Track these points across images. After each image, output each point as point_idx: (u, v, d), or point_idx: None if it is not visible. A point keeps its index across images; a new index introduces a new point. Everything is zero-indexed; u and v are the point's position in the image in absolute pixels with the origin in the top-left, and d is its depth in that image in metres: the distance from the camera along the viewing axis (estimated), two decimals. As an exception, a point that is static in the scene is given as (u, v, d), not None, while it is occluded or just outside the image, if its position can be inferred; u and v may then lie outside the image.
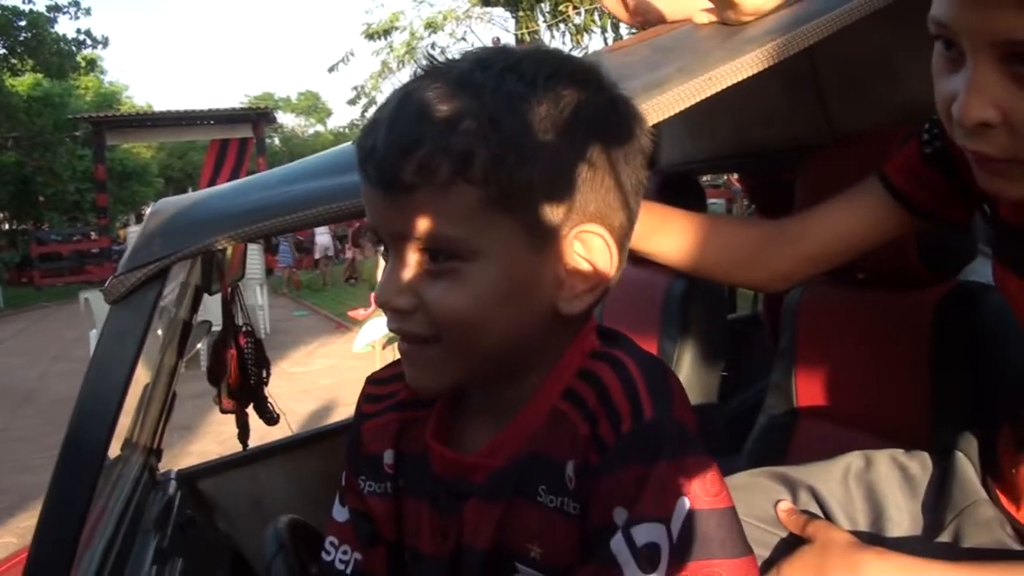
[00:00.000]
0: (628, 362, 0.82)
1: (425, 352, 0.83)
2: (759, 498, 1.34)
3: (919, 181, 1.27)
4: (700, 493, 0.74)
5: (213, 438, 6.85)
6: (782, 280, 1.44)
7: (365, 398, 1.03)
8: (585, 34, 10.73)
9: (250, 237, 1.16)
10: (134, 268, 1.16)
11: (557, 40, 11.47)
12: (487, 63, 0.78)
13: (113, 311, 1.21)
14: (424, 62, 0.82)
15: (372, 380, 1.05)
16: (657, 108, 1.10)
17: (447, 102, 0.75)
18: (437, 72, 0.79)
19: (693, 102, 1.13)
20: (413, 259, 0.80)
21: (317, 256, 20.81)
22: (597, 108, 0.80)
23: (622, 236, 0.84)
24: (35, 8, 25.36)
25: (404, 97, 0.78)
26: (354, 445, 1.02)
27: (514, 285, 0.79)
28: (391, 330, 0.85)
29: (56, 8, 25.52)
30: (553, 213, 0.78)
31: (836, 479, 1.36)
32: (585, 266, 0.82)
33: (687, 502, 0.73)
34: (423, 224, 0.76)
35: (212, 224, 1.19)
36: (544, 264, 0.80)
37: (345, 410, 7.64)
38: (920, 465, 1.36)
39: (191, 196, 1.40)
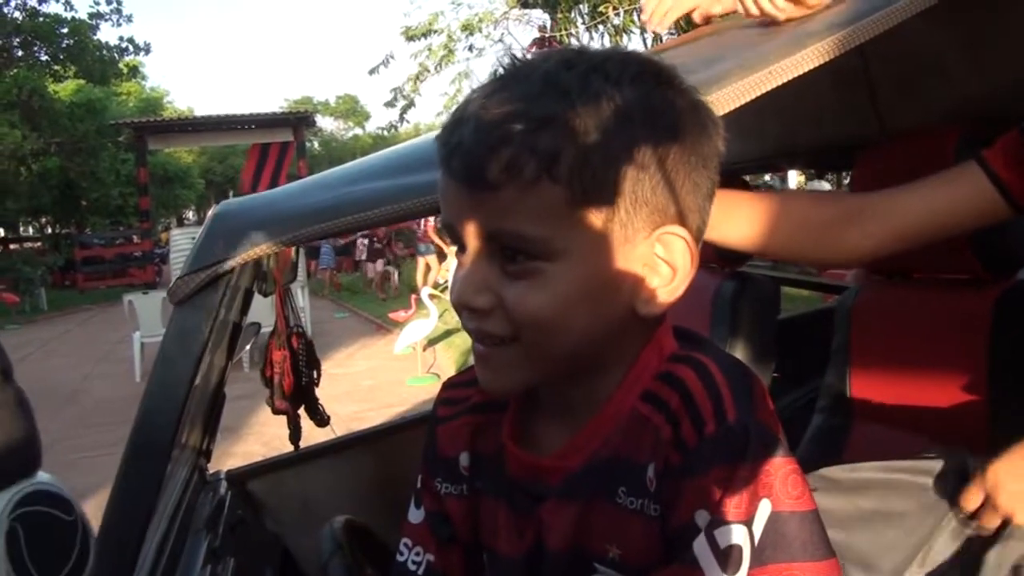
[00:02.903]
0: (711, 365, 0.81)
1: (502, 353, 0.82)
2: None
3: (1022, 170, 1.26)
4: (782, 495, 0.73)
5: (256, 439, 6.90)
6: (865, 257, 1.42)
7: (441, 402, 1.03)
8: (624, 35, 10.70)
9: (314, 238, 1.16)
10: (198, 269, 1.17)
11: (596, 41, 11.44)
12: (572, 63, 0.78)
13: (177, 312, 1.22)
14: (507, 61, 0.81)
15: (448, 384, 1.05)
16: (717, 103, 1.09)
17: (534, 101, 0.75)
18: (522, 71, 0.79)
19: (753, 97, 1.12)
20: (493, 258, 0.79)
21: (359, 258, 20.91)
22: (681, 110, 0.79)
23: (698, 238, 0.84)
24: (77, 16, 25.77)
25: (491, 94, 0.78)
26: (430, 448, 1.02)
27: (594, 286, 0.79)
28: (467, 330, 0.83)
29: (98, 15, 25.88)
30: (636, 214, 0.78)
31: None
32: (665, 268, 0.81)
33: (769, 504, 0.73)
34: (506, 222, 0.76)
35: (274, 226, 1.19)
36: (625, 265, 0.79)
37: (387, 411, 7.68)
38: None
39: (252, 198, 1.41)
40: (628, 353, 0.85)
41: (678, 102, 0.80)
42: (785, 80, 1.13)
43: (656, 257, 0.81)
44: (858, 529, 1.32)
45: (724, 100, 1.10)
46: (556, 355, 0.81)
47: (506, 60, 0.82)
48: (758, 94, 1.12)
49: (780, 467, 0.75)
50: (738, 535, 0.72)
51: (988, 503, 1.23)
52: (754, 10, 1.38)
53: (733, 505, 0.73)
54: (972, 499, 1.25)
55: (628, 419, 0.83)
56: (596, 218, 0.76)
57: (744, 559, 0.72)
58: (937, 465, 1.36)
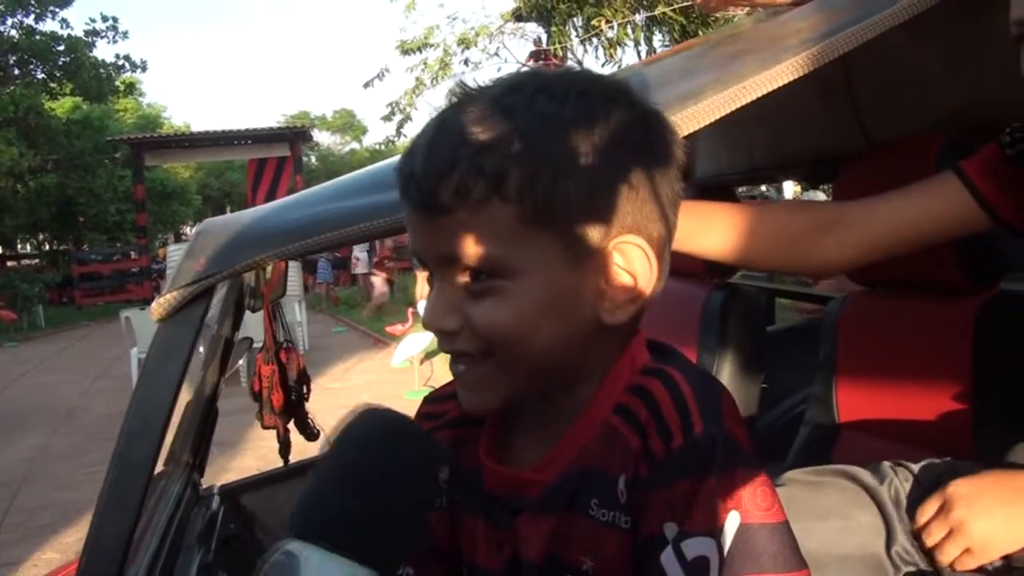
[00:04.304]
0: (679, 377, 0.82)
1: (477, 370, 0.84)
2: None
3: (1001, 182, 1.27)
4: (751, 507, 0.74)
5: (253, 453, 6.89)
6: (842, 266, 1.43)
7: (421, 417, 1.04)
8: (618, 48, 10.75)
9: (293, 255, 1.17)
10: (181, 287, 1.19)
11: (590, 54, 11.49)
12: (518, 86, 0.80)
13: (160, 329, 1.23)
14: (458, 90, 0.83)
15: (428, 400, 1.06)
16: (692, 118, 1.10)
17: (481, 124, 0.77)
18: (470, 98, 0.81)
19: (728, 111, 1.13)
20: (456, 280, 0.81)
21: (356, 271, 20.92)
22: (628, 122, 0.81)
23: (661, 247, 0.84)
24: (73, 33, 25.81)
25: (440, 123, 0.80)
26: None
27: (556, 299, 0.80)
28: (442, 351, 0.86)
29: (94, 32, 25.91)
30: (590, 226, 0.79)
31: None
32: (626, 277, 0.82)
33: (738, 516, 0.73)
34: (463, 244, 0.78)
35: (256, 243, 1.21)
36: (584, 277, 0.81)
37: (383, 426, 7.65)
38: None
39: (235, 216, 1.42)
40: (601, 365, 0.86)
41: (626, 114, 0.81)
42: (758, 95, 1.14)
43: (615, 266, 0.82)
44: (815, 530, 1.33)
45: (699, 114, 1.11)
46: (528, 368, 0.82)
47: (457, 89, 0.83)
48: (732, 109, 1.13)
49: (749, 479, 0.75)
50: (706, 547, 0.73)
51: (952, 534, 1.23)
52: None
53: (700, 517, 0.73)
54: (935, 530, 1.26)
55: (601, 432, 0.84)
56: (549, 233, 0.78)
57: (712, 571, 0.72)
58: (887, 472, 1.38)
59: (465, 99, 0.81)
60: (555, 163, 0.76)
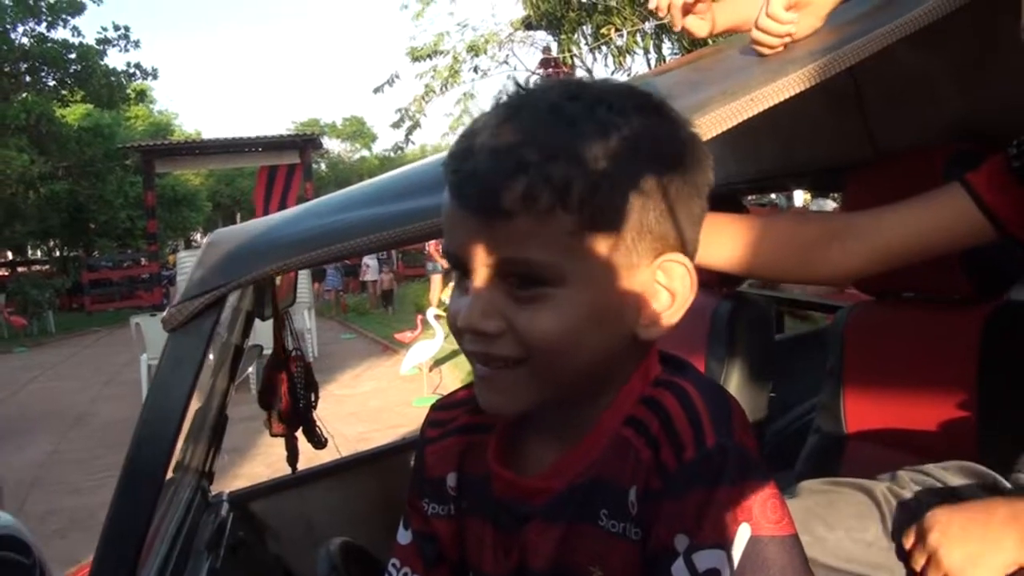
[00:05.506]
0: (691, 390, 0.82)
1: (509, 375, 0.83)
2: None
3: (1008, 194, 1.27)
4: (761, 520, 0.74)
5: (262, 460, 6.89)
6: (849, 276, 1.44)
7: (429, 423, 1.05)
8: (627, 56, 10.73)
9: (302, 266, 1.18)
10: (191, 297, 1.20)
11: (599, 62, 11.48)
12: (576, 94, 0.80)
13: (172, 339, 1.24)
14: (511, 88, 0.83)
15: (436, 407, 1.07)
16: (699, 130, 1.10)
17: (545, 131, 0.77)
18: (528, 101, 0.81)
19: (735, 123, 1.14)
20: (501, 284, 0.80)
21: (365, 278, 20.95)
22: (680, 142, 0.82)
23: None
24: (84, 41, 25.90)
25: (500, 124, 0.79)
26: (418, 469, 1.04)
27: (600, 311, 0.80)
28: (472, 353, 0.85)
29: (105, 41, 26.00)
30: (640, 241, 0.79)
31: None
32: (665, 294, 0.83)
33: (748, 529, 0.74)
34: (518, 250, 0.78)
35: (266, 254, 1.22)
36: (629, 291, 0.81)
37: (392, 432, 7.67)
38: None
39: (245, 226, 1.43)
40: (621, 377, 0.86)
41: (679, 134, 0.82)
42: (765, 107, 1.14)
43: (657, 283, 0.82)
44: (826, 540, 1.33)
45: (705, 127, 1.11)
46: (562, 377, 0.82)
47: (511, 88, 0.83)
48: (738, 121, 1.13)
49: (759, 492, 0.76)
50: (717, 559, 0.73)
51: (932, 561, 1.23)
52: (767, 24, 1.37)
53: (711, 529, 0.74)
54: (916, 558, 1.26)
55: (612, 443, 0.84)
56: (603, 245, 0.78)
57: None
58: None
59: (521, 102, 0.81)
60: (615, 176, 0.76)
